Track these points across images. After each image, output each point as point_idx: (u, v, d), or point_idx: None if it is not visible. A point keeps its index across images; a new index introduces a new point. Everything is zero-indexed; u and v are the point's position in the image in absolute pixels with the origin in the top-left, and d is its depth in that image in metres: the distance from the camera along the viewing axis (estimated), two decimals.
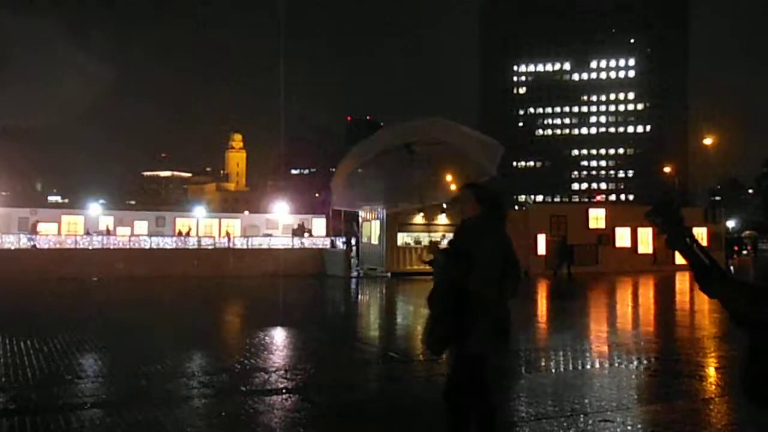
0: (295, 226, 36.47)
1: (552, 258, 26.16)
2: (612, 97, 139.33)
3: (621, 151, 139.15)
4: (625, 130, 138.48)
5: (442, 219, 26.91)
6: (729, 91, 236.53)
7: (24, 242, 28.32)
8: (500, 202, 4.16)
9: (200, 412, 6.29)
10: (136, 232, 34.32)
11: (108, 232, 32.52)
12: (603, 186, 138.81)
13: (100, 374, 8.04)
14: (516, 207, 79.89)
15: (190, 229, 36.06)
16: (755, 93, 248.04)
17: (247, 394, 6.90)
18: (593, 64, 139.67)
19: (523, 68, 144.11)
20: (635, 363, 8.96)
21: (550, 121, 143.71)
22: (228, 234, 35.19)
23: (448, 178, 5.62)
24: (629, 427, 5.73)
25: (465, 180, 4.98)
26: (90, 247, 28.43)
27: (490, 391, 4.06)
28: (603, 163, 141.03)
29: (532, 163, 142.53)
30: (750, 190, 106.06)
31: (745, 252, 52.15)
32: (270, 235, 34.30)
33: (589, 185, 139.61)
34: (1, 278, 21.31)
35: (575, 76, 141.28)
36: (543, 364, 8.87)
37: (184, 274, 25.20)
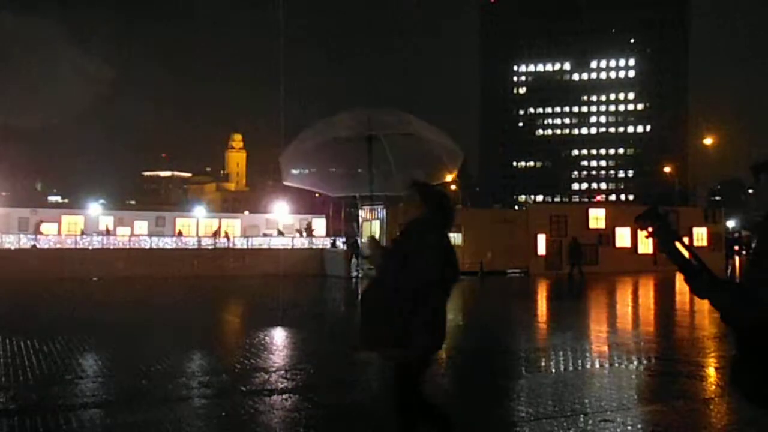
0: (298, 226, 36.63)
1: (567, 259, 25.82)
2: (612, 97, 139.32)
3: (621, 151, 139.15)
4: (625, 130, 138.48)
5: None
6: (729, 91, 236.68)
7: (27, 242, 28.35)
8: (445, 204, 4.12)
9: (200, 412, 6.29)
10: (136, 232, 34.37)
11: (108, 232, 32.54)
12: (603, 186, 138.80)
13: (100, 374, 8.03)
14: (516, 207, 79.93)
15: (219, 229, 36.29)
16: (755, 93, 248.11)
17: (247, 394, 6.89)
18: (593, 64, 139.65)
19: (523, 68, 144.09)
20: (635, 363, 8.96)
21: (550, 121, 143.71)
22: (227, 234, 35.24)
23: (405, 172, 5.38)
24: (629, 427, 5.73)
25: (422, 178, 4.86)
26: (90, 247, 28.45)
27: (421, 391, 3.99)
28: (603, 163, 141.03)
29: (532, 163, 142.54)
30: (750, 190, 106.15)
31: (745, 252, 52.16)
32: (269, 235, 34.36)
33: (589, 185, 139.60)
34: (1, 278, 21.31)
35: (575, 76, 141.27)
36: (543, 364, 8.87)
37: (184, 274, 25.20)
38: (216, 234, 34.87)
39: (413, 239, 3.98)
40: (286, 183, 5.56)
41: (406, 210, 4.16)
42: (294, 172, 5.78)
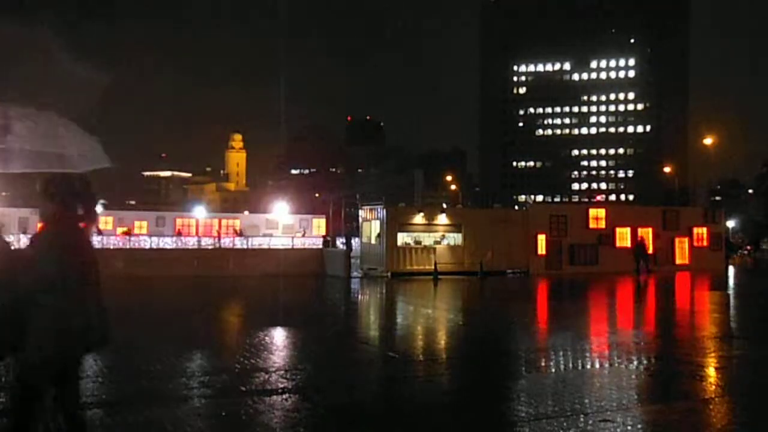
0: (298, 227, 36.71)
1: (633, 260, 26.40)
2: (612, 97, 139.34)
3: (621, 151, 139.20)
4: (625, 130, 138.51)
5: (442, 219, 26.92)
6: (729, 91, 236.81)
7: (26, 242, 28.37)
8: (75, 198, 3.66)
9: (200, 412, 6.29)
10: (136, 232, 34.40)
11: (100, 232, 32.49)
12: (603, 186, 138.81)
13: (100, 374, 8.03)
14: (516, 207, 79.98)
15: (238, 230, 36.32)
16: (755, 93, 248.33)
17: (247, 394, 6.89)
18: (593, 64, 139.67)
19: (523, 68, 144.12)
20: (635, 363, 8.95)
21: (550, 121, 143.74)
22: (235, 229, 35.27)
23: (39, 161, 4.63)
24: (629, 427, 5.72)
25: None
26: None
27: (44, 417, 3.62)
28: (603, 163, 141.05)
29: (532, 163, 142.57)
30: (750, 190, 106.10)
31: (745, 251, 52.45)
32: (256, 235, 34.58)
33: (589, 185, 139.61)
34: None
35: (575, 76, 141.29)
36: (543, 364, 8.87)
37: (184, 274, 25.19)
38: (239, 234, 34.98)
39: (40, 237, 3.63)
40: None
41: (39, 207, 3.72)
42: None
